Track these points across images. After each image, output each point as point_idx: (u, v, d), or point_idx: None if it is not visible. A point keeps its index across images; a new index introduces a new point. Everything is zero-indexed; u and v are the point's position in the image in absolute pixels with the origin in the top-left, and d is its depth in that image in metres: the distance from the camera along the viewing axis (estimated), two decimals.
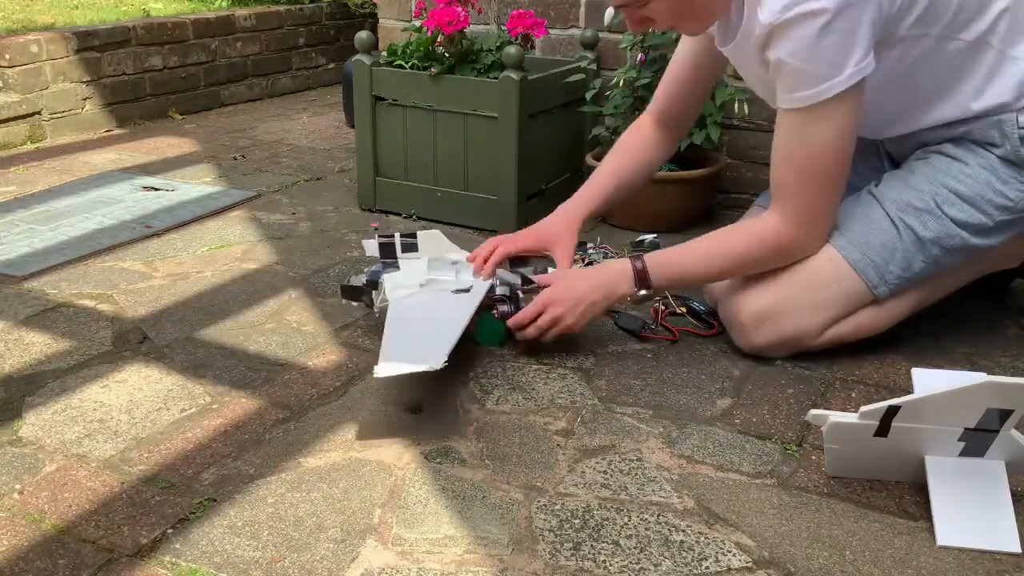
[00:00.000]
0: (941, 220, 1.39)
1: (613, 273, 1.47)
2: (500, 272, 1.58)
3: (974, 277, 1.53)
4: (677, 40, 1.97)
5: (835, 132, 1.32)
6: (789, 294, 1.42)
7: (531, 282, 1.53)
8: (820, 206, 1.38)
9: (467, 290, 1.52)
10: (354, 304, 1.60)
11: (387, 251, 1.59)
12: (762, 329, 1.45)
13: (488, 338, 1.52)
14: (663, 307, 1.64)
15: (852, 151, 1.36)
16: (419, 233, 1.62)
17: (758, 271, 1.45)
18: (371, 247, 1.62)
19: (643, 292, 1.47)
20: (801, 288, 1.42)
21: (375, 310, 1.53)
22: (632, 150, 1.73)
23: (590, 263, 1.76)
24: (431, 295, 1.51)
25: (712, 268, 1.47)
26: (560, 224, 1.65)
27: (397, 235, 1.60)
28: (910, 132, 1.47)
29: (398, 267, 1.56)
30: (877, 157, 1.59)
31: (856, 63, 1.27)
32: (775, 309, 1.43)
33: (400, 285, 1.51)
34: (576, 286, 1.48)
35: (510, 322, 1.49)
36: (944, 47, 1.35)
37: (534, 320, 1.47)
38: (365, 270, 1.58)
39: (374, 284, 1.54)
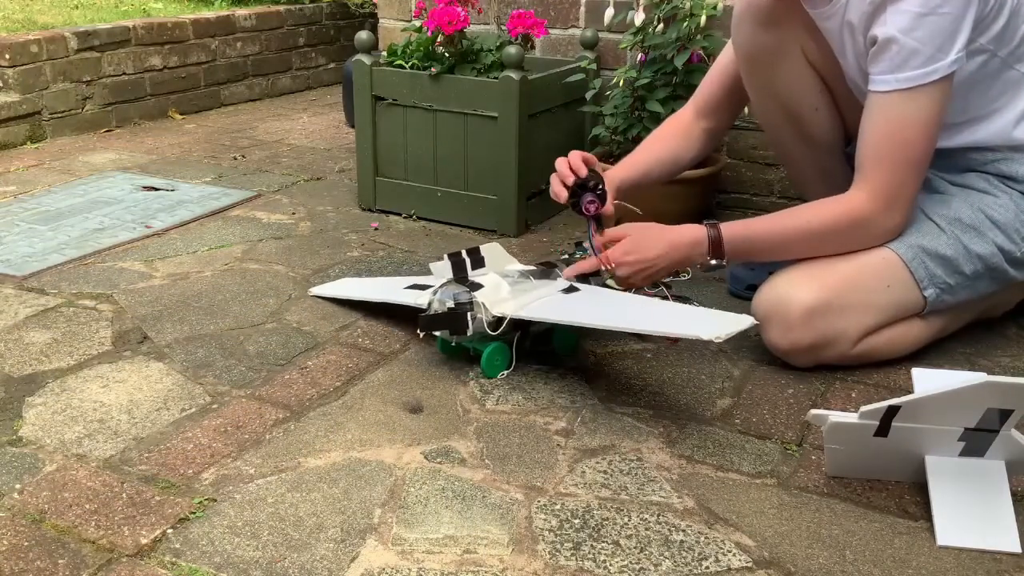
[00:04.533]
0: (984, 238, 1.43)
1: (689, 242, 1.45)
2: (562, 267, 1.55)
3: (986, 314, 1.59)
4: (676, 40, 1.97)
5: (930, 116, 1.34)
6: (842, 292, 1.41)
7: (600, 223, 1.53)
8: (905, 187, 1.39)
9: (573, 288, 1.48)
10: (435, 334, 1.46)
11: (459, 268, 1.51)
12: (810, 324, 1.41)
13: (493, 369, 1.45)
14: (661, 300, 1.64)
15: (937, 140, 1.38)
16: (482, 248, 1.55)
17: (833, 250, 1.43)
18: (440, 269, 1.53)
19: (714, 262, 1.45)
20: (853, 287, 1.41)
21: (470, 332, 1.40)
22: (663, 136, 1.73)
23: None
24: (553, 298, 1.45)
25: (788, 240, 1.44)
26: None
27: (464, 252, 1.54)
28: (942, 148, 1.48)
29: (466, 285, 1.44)
30: None
31: (958, 51, 1.29)
32: (827, 305, 1.41)
33: (497, 300, 1.42)
34: (652, 248, 1.46)
35: (572, 272, 1.51)
36: (1003, 73, 1.40)
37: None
38: (434, 297, 1.44)
39: (466, 306, 1.41)
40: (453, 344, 1.48)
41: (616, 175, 1.65)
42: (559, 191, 1.56)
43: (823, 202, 1.44)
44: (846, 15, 1.39)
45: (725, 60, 1.68)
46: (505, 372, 1.45)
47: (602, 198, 1.53)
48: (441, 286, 1.45)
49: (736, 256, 1.46)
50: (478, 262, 1.53)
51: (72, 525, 1.08)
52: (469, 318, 1.40)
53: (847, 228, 1.41)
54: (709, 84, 1.72)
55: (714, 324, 1.26)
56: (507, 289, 1.44)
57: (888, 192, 1.38)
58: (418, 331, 1.44)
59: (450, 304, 1.42)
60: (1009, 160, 1.45)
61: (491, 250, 1.56)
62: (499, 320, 1.40)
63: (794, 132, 1.63)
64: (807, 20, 1.49)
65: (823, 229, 1.42)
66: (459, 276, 1.49)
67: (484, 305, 1.40)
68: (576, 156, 1.56)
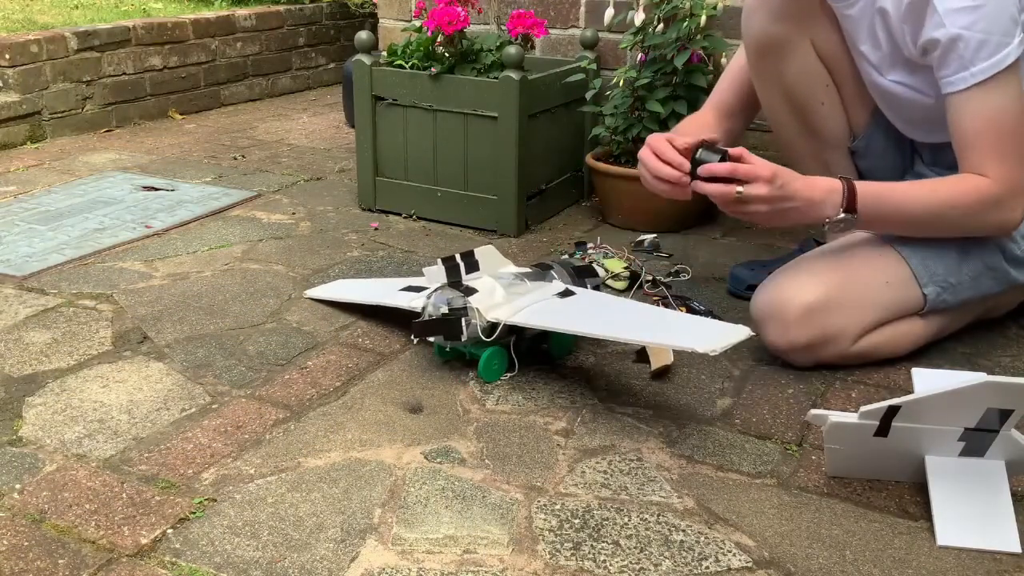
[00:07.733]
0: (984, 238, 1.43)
1: (825, 187, 1.36)
2: (557, 268, 1.52)
3: (987, 315, 1.58)
4: (677, 40, 1.97)
5: (1016, 100, 1.32)
6: (840, 288, 1.41)
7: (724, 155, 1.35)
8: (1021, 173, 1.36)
9: (569, 292, 1.46)
10: (430, 340, 1.45)
11: (453, 273, 1.47)
12: (809, 322, 1.41)
13: (491, 373, 1.44)
14: (663, 308, 1.64)
15: None
16: (476, 251, 1.51)
17: (954, 228, 1.39)
18: (434, 273, 1.50)
19: (843, 216, 1.35)
20: (852, 283, 1.42)
21: (464, 338, 1.39)
22: (695, 121, 1.69)
23: (591, 263, 1.76)
24: (549, 302, 1.44)
25: (917, 211, 1.38)
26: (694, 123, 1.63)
27: (458, 256, 1.49)
28: (938, 143, 1.48)
29: (460, 290, 1.43)
30: (905, 153, 1.62)
31: (1019, 32, 1.30)
32: (825, 302, 1.40)
33: (491, 305, 1.40)
34: (794, 183, 1.34)
35: (706, 168, 1.34)
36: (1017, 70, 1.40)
37: (727, 180, 1.33)
38: (428, 302, 1.43)
39: (460, 312, 1.40)
40: (448, 349, 1.47)
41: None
42: (670, 173, 1.40)
43: (948, 178, 1.39)
44: (877, 2, 1.39)
45: (737, 67, 1.67)
46: (508, 375, 1.45)
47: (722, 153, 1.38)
48: (435, 290, 1.44)
49: (865, 213, 1.37)
50: (472, 265, 1.49)
51: (72, 525, 1.08)
52: (463, 324, 1.39)
53: (974, 204, 1.36)
54: (721, 91, 1.71)
55: (710, 336, 1.24)
56: (501, 293, 1.42)
57: (1007, 182, 1.34)
58: (412, 337, 1.44)
59: (444, 310, 1.40)
60: None
61: (486, 253, 1.53)
62: (493, 326, 1.39)
63: (800, 126, 1.63)
64: (819, 13, 1.49)
65: (950, 200, 1.36)
66: (453, 280, 1.46)
67: (478, 311, 1.39)
68: (665, 142, 1.44)
